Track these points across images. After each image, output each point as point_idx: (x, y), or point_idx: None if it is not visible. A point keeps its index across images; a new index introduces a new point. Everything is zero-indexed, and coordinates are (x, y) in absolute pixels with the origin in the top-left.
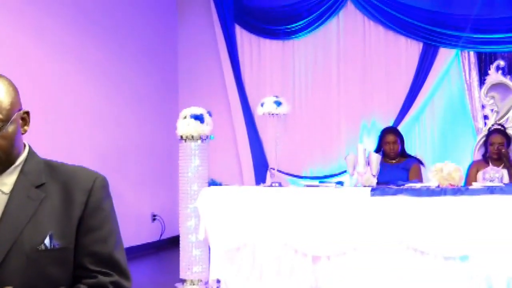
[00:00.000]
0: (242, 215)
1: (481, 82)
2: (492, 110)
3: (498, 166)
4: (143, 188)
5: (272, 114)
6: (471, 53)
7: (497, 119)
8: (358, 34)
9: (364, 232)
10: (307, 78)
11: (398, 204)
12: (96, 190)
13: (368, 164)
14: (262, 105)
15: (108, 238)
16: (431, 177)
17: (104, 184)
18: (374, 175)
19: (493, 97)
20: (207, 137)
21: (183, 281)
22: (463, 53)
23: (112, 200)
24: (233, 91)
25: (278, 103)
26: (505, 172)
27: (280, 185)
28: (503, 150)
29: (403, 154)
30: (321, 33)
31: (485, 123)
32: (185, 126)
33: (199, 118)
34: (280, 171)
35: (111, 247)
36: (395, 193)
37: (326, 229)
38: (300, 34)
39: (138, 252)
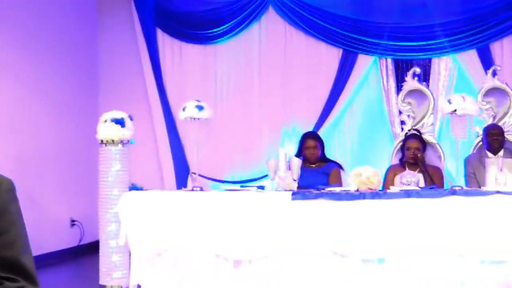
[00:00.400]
0: (163, 220)
1: (398, 88)
2: (408, 115)
3: (414, 170)
4: (61, 193)
5: (194, 118)
6: (389, 60)
7: (413, 124)
8: (280, 40)
9: (285, 235)
10: (229, 83)
11: (319, 208)
12: (2, 193)
13: (289, 168)
14: (184, 109)
15: (14, 242)
16: (351, 181)
17: (10, 188)
18: (295, 180)
19: (409, 103)
20: (128, 141)
21: (102, 287)
22: (381, 60)
23: (19, 204)
24: (155, 95)
25: (200, 108)
26: (421, 176)
27: (201, 189)
28: (419, 154)
29: (323, 158)
30: (243, 38)
31: (402, 128)
32: (106, 130)
33: (120, 122)
34: (201, 176)
35: (18, 252)
36: (315, 197)
37: (248, 233)
38: (222, 38)
39: (56, 258)
